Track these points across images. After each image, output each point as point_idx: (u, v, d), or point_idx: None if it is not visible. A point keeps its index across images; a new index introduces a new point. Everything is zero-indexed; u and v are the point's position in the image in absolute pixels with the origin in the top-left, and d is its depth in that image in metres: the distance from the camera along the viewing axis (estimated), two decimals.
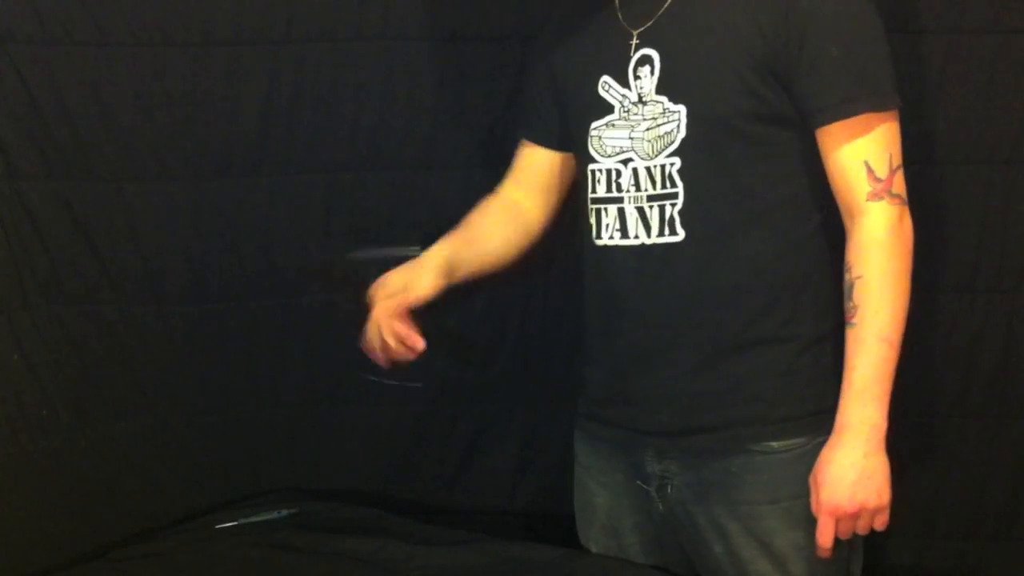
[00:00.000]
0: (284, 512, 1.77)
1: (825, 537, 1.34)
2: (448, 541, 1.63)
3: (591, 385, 1.55)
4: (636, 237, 1.42)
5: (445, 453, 1.92)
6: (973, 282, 1.69)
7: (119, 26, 1.66)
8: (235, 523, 1.75)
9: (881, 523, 1.35)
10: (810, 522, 1.38)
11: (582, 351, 1.57)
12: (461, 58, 1.76)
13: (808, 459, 1.38)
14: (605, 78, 1.45)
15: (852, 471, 1.32)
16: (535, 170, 1.62)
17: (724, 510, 1.43)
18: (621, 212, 1.43)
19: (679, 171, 1.38)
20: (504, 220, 1.63)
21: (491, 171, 1.80)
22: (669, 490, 1.46)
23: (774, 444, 1.40)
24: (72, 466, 1.72)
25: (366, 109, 1.77)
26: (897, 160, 1.35)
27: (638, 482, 1.50)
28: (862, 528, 1.35)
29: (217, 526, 1.74)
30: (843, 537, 1.35)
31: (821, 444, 1.37)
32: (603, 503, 1.56)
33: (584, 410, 1.57)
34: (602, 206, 1.45)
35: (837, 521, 1.33)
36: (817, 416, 1.38)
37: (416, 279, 1.53)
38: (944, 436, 1.75)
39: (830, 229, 1.40)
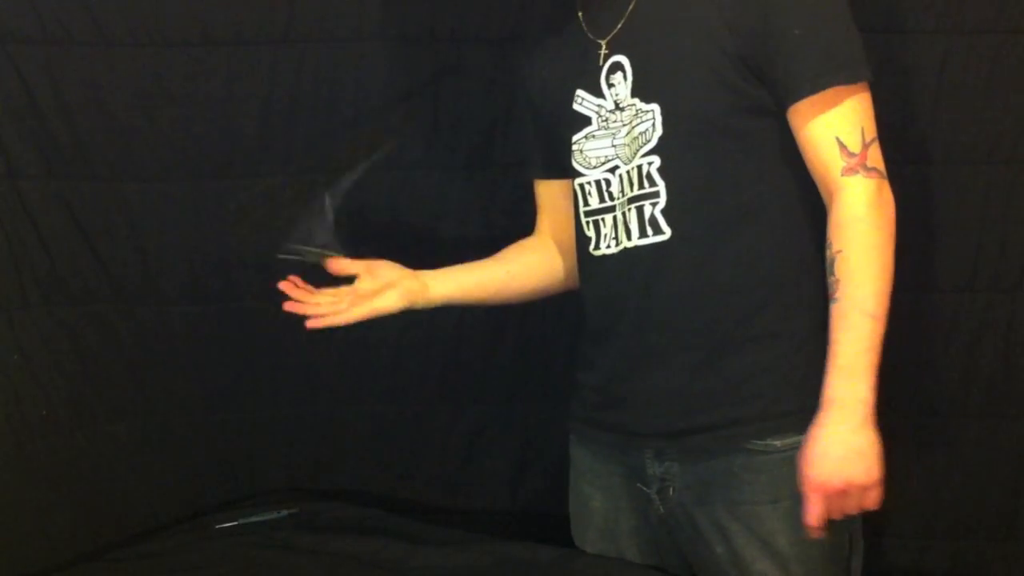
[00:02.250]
0: (284, 512, 1.77)
1: (812, 516, 1.30)
2: (448, 541, 1.63)
3: (587, 391, 1.54)
4: (621, 243, 1.42)
5: (445, 453, 1.92)
6: (973, 282, 1.69)
7: (119, 26, 1.66)
8: (235, 523, 1.74)
9: (872, 501, 1.31)
10: None
11: (577, 357, 1.56)
12: (461, 58, 1.76)
13: None
14: (579, 92, 1.45)
15: (839, 446, 1.29)
16: (557, 203, 1.61)
17: (726, 511, 1.42)
18: (615, 220, 1.43)
19: (659, 169, 1.38)
20: (543, 257, 1.63)
21: (491, 171, 1.80)
22: (671, 492, 1.46)
23: (776, 443, 1.39)
24: (72, 466, 1.72)
25: (366, 109, 1.77)
26: (871, 133, 1.33)
27: (638, 485, 1.49)
28: (852, 507, 1.31)
29: (217, 526, 1.74)
30: (835, 517, 1.31)
31: None
32: (600, 507, 1.56)
33: (581, 415, 1.56)
34: (599, 217, 1.45)
35: (826, 499, 1.30)
36: (816, 411, 1.38)
37: (428, 288, 1.56)
38: (944, 436, 1.75)
39: (819, 221, 1.40)
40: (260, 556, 1.61)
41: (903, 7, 1.62)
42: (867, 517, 1.43)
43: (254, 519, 1.76)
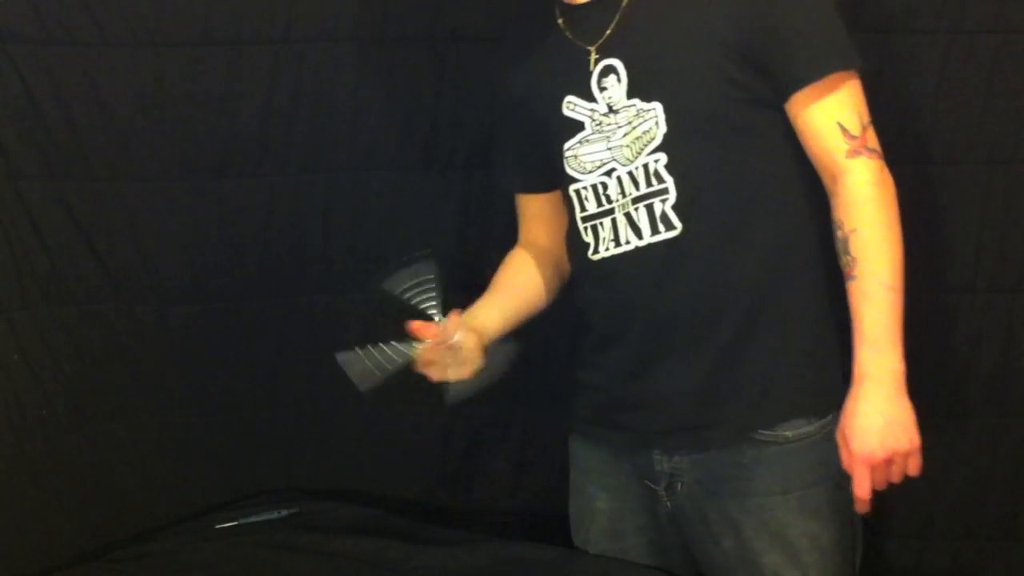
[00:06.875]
0: (284, 512, 1.77)
1: (863, 488, 1.33)
2: (448, 541, 1.63)
3: (596, 392, 1.52)
4: (628, 243, 1.42)
5: (445, 453, 1.92)
6: (973, 282, 1.69)
7: (119, 26, 1.66)
8: (235, 523, 1.75)
9: (915, 467, 1.35)
10: (822, 512, 1.39)
11: (581, 359, 1.55)
12: (461, 58, 1.76)
13: (819, 448, 1.38)
14: (569, 98, 1.44)
15: (879, 418, 1.32)
16: (542, 214, 1.61)
17: (736, 503, 1.42)
18: (614, 223, 1.43)
19: (667, 166, 1.38)
20: (537, 269, 1.60)
21: (491, 171, 1.80)
22: (679, 487, 1.46)
23: (787, 433, 1.40)
24: (72, 466, 1.72)
25: (366, 109, 1.77)
26: (866, 117, 1.36)
27: (646, 482, 1.49)
28: (896, 475, 1.34)
29: (217, 526, 1.74)
30: (879, 487, 1.34)
31: (830, 432, 1.38)
32: (604, 506, 1.56)
33: (586, 415, 1.55)
34: (597, 221, 1.45)
35: (872, 470, 1.33)
36: (824, 399, 1.39)
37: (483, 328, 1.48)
38: (944, 436, 1.75)
39: (821, 213, 1.40)
40: (260, 556, 1.61)
41: (903, 7, 1.62)
42: (867, 517, 1.44)
43: (254, 519, 1.76)
